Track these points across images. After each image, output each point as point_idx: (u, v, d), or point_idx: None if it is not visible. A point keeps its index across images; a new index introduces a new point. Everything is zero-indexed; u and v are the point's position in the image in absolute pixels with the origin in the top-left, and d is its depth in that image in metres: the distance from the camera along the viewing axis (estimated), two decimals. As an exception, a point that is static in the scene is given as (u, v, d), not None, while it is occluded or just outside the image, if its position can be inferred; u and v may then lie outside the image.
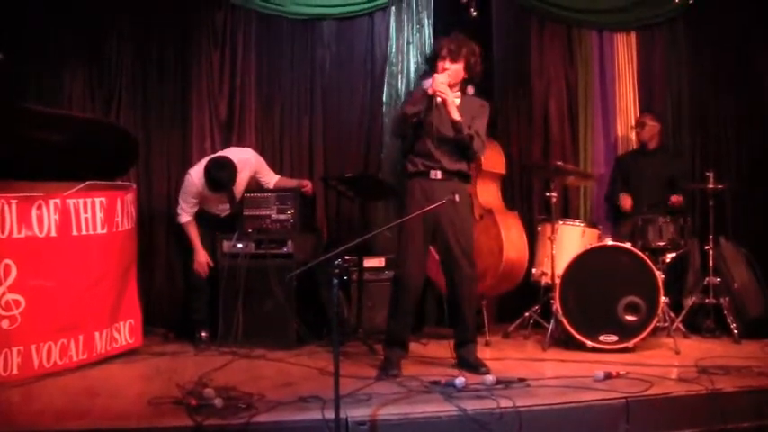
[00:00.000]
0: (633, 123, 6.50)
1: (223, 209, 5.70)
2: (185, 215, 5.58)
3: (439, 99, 4.42)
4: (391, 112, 6.26)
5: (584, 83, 6.69)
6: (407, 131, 4.53)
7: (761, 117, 6.59)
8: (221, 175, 5.36)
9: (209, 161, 5.41)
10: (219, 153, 5.65)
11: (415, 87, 6.54)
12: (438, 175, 4.50)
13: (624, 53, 6.74)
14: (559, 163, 5.71)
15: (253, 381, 4.19)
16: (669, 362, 4.69)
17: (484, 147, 4.66)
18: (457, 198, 4.39)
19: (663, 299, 5.09)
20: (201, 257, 5.56)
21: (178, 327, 5.79)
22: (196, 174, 5.47)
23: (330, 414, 3.31)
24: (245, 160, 5.63)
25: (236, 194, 5.58)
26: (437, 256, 4.76)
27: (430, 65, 4.69)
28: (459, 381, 3.91)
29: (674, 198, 6.00)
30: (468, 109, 4.54)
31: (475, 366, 4.40)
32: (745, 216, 6.49)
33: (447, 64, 4.49)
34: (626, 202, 6.12)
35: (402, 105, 4.60)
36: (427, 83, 4.53)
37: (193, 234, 5.59)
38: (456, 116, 4.42)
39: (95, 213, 4.72)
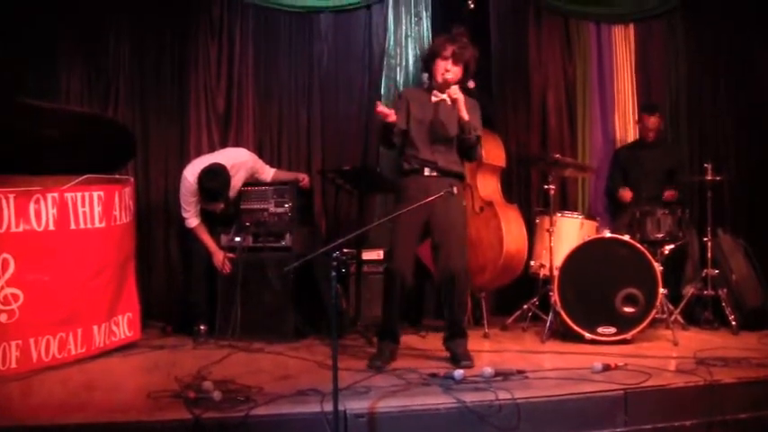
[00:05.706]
0: (636, 118, 6.50)
1: (217, 206, 5.67)
2: (192, 218, 5.52)
3: (447, 99, 4.47)
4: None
5: (581, 75, 6.69)
6: (394, 141, 4.48)
7: (759, 109, 6.58)
8: (213, 184, 5.33)
9: (201, 172, 5.34)
10: (213, 157, 5.58)
11: (413, 80, 6.56)
12: (433, 173, 4.51)
13: (622, 45, 6.75)
14: (557, 155, 5.70)
15: (251, 374, 4.18)
16: (667, 353, 4.69)
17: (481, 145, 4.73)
18: (455, 190, 4.39)
19: (661, 291, 5.09)
20: (219, 256, 5.51)
21: (177, 320, 5.78)
22: (191, 174, 5.42)
23: (329, 407, 3.31)
24: (242, 163, 5.61)
25: (231, 195, 5.56)
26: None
27: (426, 61, 4.66)
28: (458, 373, 3.90)
29: (668, 193, 6.00)
30: (467, 108, 4.54)
31: (458, 359, 4.35)
32: (744, 207, 6.49)
33: (450, 65, 4.48)
34: (626, 194, 6.12)
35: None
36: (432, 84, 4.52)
37: (205, 237, 5.54)
38: (466, 116, 4.45)
39: (93, 207, 4.71)
